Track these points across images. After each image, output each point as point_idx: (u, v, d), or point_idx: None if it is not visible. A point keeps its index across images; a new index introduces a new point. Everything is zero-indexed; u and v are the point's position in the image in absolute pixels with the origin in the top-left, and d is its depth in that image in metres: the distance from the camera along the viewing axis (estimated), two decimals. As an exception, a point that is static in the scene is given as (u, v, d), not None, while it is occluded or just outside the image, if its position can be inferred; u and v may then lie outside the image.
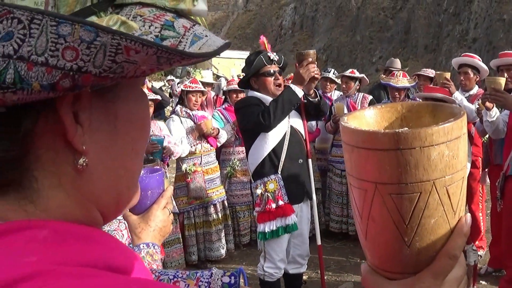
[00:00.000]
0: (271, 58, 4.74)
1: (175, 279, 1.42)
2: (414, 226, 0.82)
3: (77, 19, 0.57)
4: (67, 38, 0.56)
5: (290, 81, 4.68)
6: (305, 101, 4.80)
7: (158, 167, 1.79)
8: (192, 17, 0.70)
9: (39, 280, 0.55)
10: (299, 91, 4.53)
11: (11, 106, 0.60)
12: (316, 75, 4.59)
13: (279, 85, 4.79)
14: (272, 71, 4.77)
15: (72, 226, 0.66)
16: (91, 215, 0.72)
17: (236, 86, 7.32)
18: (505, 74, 5.76)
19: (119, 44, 0.57)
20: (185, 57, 0.63)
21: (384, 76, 7.62)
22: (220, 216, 6.82)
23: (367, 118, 0.97)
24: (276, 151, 4.70)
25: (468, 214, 0.88)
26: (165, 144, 5.95)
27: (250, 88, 4.98)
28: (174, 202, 6.14)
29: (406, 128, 0.81)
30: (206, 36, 0.67)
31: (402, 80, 6.95)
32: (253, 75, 4.83)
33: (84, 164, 0.67)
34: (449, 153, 0.80)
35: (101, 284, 0.58)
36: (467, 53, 7.02)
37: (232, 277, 1.44)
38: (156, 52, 0.60)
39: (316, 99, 4.85)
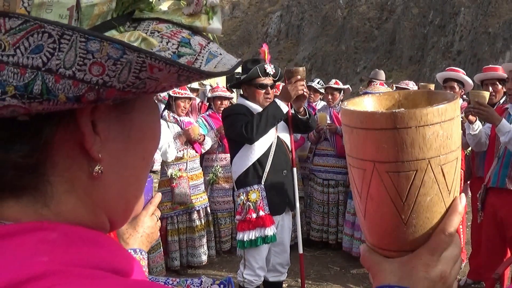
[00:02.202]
0: (267, 71, 4.76)
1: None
2: (410, 204, 0.86)
3: (106, 36, 0.59)
4: (95, 54, 0.58)
5: (279, 89, 4.69)
6: (293, 112, 4.82)
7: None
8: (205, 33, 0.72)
9: (51, 280, 0.57)
10: (284, 107, 4.56)
11: (34, 114, 0.61)
12: (305, 93, 4.64)
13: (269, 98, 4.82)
14: (264, 84, 4.79)
15: (80, 230, 0.68)
16: (99, 220, 0.74)
17: (220, 93, 7.39)
18: (490, 88, 5.80)
19: (144, 62, 0.60)
20: (203, 75, 0.66)
21: (362, 87, 7.69)
22: (203, 222, 6.81)
23: (366, 105, 1.01)
24: (261, 162, 4.72)
25: (463, 194, 0.92)
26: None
27: (241, 91, 5.01)
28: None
29: (402, 109, 0.84)
30: (221, 54, 0.70)
31: (378, 88, 7.04)
32: (245, 82, 4.85)
33: (100, 171, 0.70)
34: (443, 133, 0.84)
35: (110, 285, 0.60)
36: (451, 67, 7.06)
37: (222, 286, 1.45)
38: (177, 71, 0.62)
39: (305, 117, 4.88)
